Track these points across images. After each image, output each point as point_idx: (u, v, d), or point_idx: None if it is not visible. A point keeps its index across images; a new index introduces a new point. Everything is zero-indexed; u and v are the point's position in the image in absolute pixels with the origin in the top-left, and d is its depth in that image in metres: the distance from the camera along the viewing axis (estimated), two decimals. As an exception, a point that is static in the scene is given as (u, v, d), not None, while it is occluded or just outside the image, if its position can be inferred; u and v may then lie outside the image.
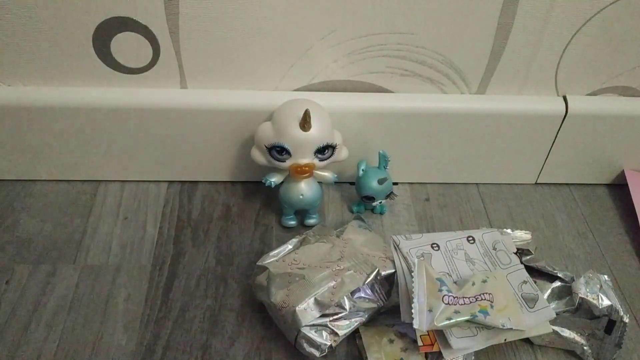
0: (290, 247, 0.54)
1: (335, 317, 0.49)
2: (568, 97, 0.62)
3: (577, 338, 0.51)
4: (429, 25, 0.56)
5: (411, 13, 0.55)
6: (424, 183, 0.69)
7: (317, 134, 0.55)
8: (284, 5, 0.54)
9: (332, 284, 0.49)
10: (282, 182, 0.59)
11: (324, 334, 0.48)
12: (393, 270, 0.52)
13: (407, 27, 0.56)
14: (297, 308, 0.47)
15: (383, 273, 0.51)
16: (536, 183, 0.70)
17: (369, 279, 0.50)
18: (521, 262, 0.57)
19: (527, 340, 0.53)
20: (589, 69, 0.61)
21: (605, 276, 0.52)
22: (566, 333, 0.51)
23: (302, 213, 0.62)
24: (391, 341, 0.50)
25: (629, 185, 0.67)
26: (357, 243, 0.55)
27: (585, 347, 0.51)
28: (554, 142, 0.65)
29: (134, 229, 0.61)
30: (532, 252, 0.58)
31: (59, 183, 0.66)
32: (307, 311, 0.47)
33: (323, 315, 0.48)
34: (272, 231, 0.62)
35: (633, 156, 0.67)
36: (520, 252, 0.58)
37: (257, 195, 0.66)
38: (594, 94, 0.63)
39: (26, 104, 0.58)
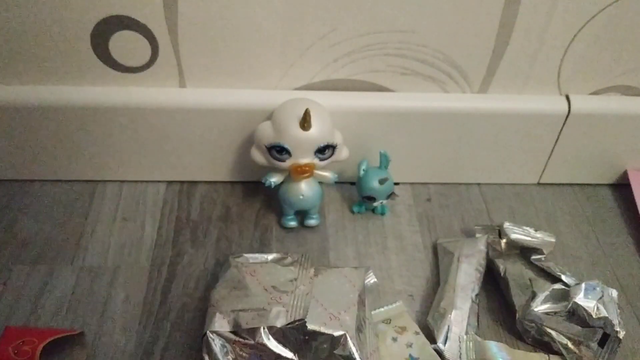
0: (268, 258, 0.53)
1: (241, 342, 0.45)
2: (570, 97, 0.62)
3: (570, 345, 0.50)
4: (430, 24, 0.56)
5: (412, 11, 0.55)
6: (426, 183, 0.69)
7: (318, 133, 0.54)
8: (284, 4, 0.53)
9: (260, 310, 0.46)
10: (282, 182, 0.59)
11: (229, 357, 0.45)
12: (327, 332, 0.46)
13: (408, 25, 0.56)
14: (218, 312, 0.46)
15: (310, 326, 0.45)
16: (538, 183, 0.70)
17: (290, 325, 0.45)
18: (530, 261, 0.57)
19: (522, 338, 0.53)
20: (592, 68, 0.60)
21: (614, 291, 0.51)
22: (558, 336, 0.51)
23: (302, 213, 0.62)
24: (394, 339, 0.50)
25: (632, 185, 0.67)
26: (320, 288, 0.50)
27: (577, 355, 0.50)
28: (556, 141, 0.64)
29: (133, 229, 0.61)
30: (544, 252, 0.58)
31: (56, 183, 0.65)
32: (223, 320, 0.46)
33: (234, 333, 0.45)
34: (272, 232, 0.61)
35: (636, 156, 0.67)
36: (534, 250, 0.58)
37: (257, 195, 0.66)
38: (596, 93, 0.63)
39: (23, 103, 0.58)
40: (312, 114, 0.53)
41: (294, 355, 0.45)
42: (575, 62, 0.60)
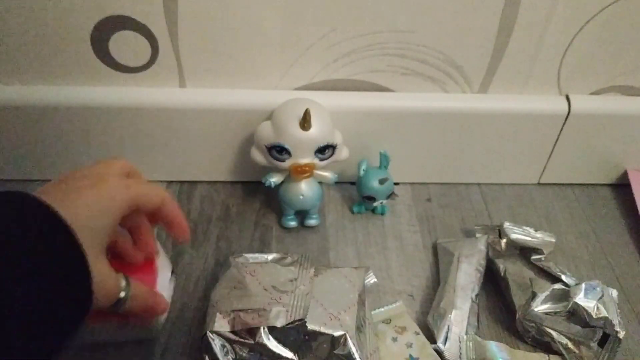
0: (268, 258, 0.53)
1: (241, 342, 0.45)
2: (571, 97, 0.62)
3: (570, 345, 0.50)
4: (430, 24, 0.56)
5: (412, 11, 0.55)
6: (426, 183, 0.68)
7: (318, 133, 0.54)
8: (284, 4, 0.53)
9: (260, 310, 0.46)
10: (282, 182, 0.59)
11: (229, 357, 0.45)
12: (327, 332, 0.45)
13: (408, 25, 0.56)
14: (218, 312, 0.46)
15: (310, 326, 0.45)
16: (539, 183, 0.70)
17: (290, 324, 0.45)
18: (530, 261, 0.57)
19: (521, 338, 0.53)
20: (592, 68, 0.60)
21: (614, 291, 0.51)
22: (558, 336, 0.50)
23: (302, 213, 0.62)
24: (394, 339, 0.50)
25: (632, 185, 0.67)
26: (320, 288, 0.49)
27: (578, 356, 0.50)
28: (556, 141, 0.64)
29: (133, 229, 0.61)
30: (544, 252, 0.58)
31: (57, 183, 0.65)
32: (223, 320, 0.46)
33: (234, 333, 0.45)
34: (272, 232, 0.61)
35: (636, 156, 0.67)
36: (534, 250, 0.58)
37: (257, 195, 0.66)
38: (596, 93, 0.63)
39: (24, 103, 0.58)
40: (312, 114, 0.53)
41: (294, 355, 0.45)
42: (575, 62, 0.60)
